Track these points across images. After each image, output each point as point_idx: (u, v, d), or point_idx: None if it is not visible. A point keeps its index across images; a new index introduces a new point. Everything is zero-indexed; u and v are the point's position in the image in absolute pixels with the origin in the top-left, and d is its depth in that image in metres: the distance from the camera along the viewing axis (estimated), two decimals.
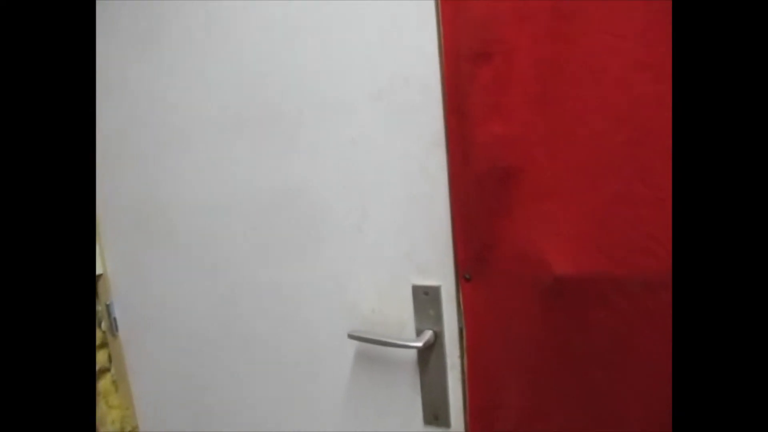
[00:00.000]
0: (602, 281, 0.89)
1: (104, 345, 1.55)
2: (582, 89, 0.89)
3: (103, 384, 1.54)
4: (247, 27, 1.19)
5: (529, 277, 0.97)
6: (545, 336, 0.97)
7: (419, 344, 1.09)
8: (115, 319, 1.53)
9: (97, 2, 1.21)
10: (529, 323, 0.99)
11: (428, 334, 1.11)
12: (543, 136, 0.93)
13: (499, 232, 0.99)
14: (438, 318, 1.10)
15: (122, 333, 1.54)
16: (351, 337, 1.15)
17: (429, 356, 1.12)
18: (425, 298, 1.11)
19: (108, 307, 1.51)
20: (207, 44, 1.24)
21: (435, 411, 1.13)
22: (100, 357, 1.52)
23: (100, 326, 1.51)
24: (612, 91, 0.86)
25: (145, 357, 1.52)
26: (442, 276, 1.09)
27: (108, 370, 1.56)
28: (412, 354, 1.14)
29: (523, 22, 0.91)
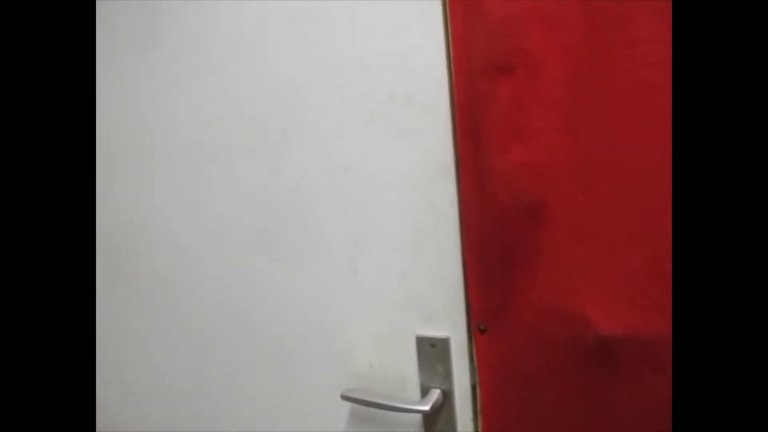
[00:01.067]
0: (659, 345, 0.74)
1: None
2: (625, 109, 0.73)
3: None
4: (223, 36, 1.02)
5: (560, 335, 0.81)
6: (580, 404, 0.81)
7: (426, 408, 0.93)
8: None
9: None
10: (559, 387, 0.83)
11: (435, 394, 0.95)
12: (577, 165, 0.77)
13: (523, 278, 0.83)
14: (447, 375, 0.94)
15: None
16: (344, 398, 0.98)
17: (437, 419, 0.96)
18: (432, 352, 0.95)
19: None
20: (185, 60, 1.07)
21: None
22: None
23: None
24: (663, 113, 0.71)
25: (117, 415, 1.33)
26: (452, 326, 0.93)
27: None
28: (417, 416, 0.97)
29: (553, 30, 0.75)
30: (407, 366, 0.98)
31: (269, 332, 1.09)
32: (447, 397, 0.96)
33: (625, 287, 0.76)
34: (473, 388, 0.94)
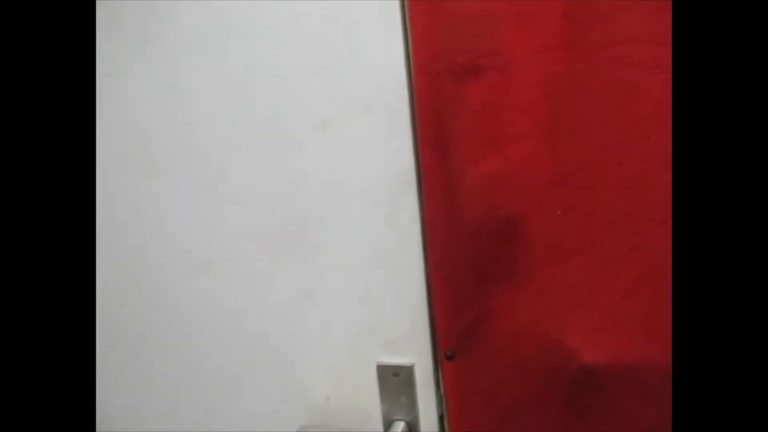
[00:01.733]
0: (648, 373, 0.67)
1: None
2: (608, 114, 0.67)
3: None
4: (173, 34, 0.89)
5: (539, 363, 0.74)
6: None
7: None
8: None
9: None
10: (538, 420, 0.76)
11: (400, 426, 0.87)
12: (555, 176, 0.70)
13: (496, 301, 0.75)
14: (412, 405, 0.86)
15: None
16: None
17: None
18: (395, 381, 0.86)
19: None
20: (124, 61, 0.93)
21: None
22: None
23: None
24: (653, 116, 0.64)
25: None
26: (417, 353, 0.85)
27: None
28: None
29: (526, 28, 0.68)
30: (368, 397, 0.89)
31: (212, 361, 0.97)
32: (412, 429, 0.87)
33: (611, 311, 0.69)
34: (440, 419, 0.86)
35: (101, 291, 0.99)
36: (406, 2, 0.74)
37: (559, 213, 0.70)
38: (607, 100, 0.67)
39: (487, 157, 0.72)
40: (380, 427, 0.89)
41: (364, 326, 0.87)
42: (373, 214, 0.82)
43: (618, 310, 0.69)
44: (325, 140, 0.83)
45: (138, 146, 0.94)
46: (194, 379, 0.99)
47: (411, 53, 0.74)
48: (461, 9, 0.70)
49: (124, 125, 0.93)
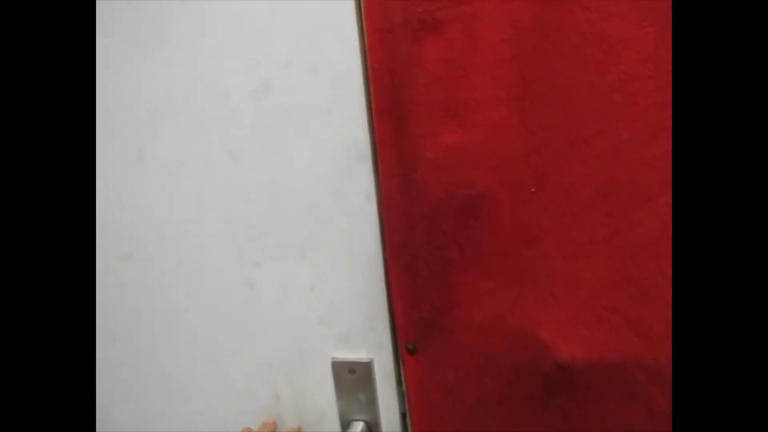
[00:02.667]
0: (631, 368, 0.60)
1: None
2: (589, 75, 0.57)
3: None
4: None
5: (509, 358, 0.66)
6: None
7: None
8: None
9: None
10: (509, 419, 0.68)
11: (359, 427, 0.80)
12: (526, 147, 0.61)
13: (460, 290, 0.67)
14: (371, 404, 0.78)
15: None
16: None
17: None
18: (351, 379, 0.78)
19: None
20: None
21: None
22: None
23: None
24: (639, 79, 0.56)
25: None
26: (375, 346, 0.77)
27: None
28: None
29: None
30: (323, 396, 0.81)
31: (143, 360, 0.87)
32: (372, 429, 0.80)
33: (590, 300, 0.61)
34: (403, 417, 0.78)
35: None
36: None
37: (532, 190, 0.61)
38: (585, 59, 0.58)
39: (448, 126, 0.62)
40: (337, 427, 0.81)
41: (316, 318, 0.78)
42: (320, 192, 0.73)
43: (598, 300, 0.61)
44: (264, 108, 0.72)
45: None
46: (124, 380, 0.88)
47: (362, 5, 0.63)
48: None
49: None
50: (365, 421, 0.80)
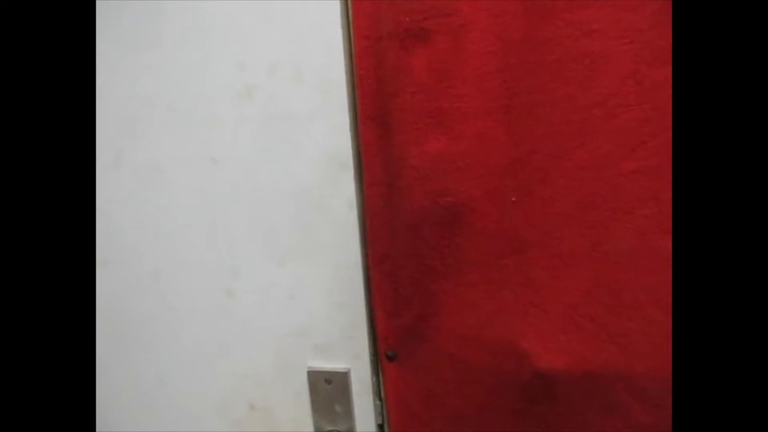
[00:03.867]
0: (610, 379, 0.60)
1: None
2: (572, 90, 0.59)
3: None
4: None
5: (489, 367, 0.66)
6: None
7: None
8: None
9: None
10: (487, 427, 0.68)
11: None
12: (509, 157, 0.62)
13: (442, 298, 0.67)
14: (347, 415, 0.78)
15: None
16: None
17: None
18: (328, 389, 0.77)
19: None
20: None
21: None
22: None
23: None
24: (619, 94, 0.57)
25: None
26: (352, 357, 0.76)
27: None
28: None
29: None
30: (298, 407, 0.79)
31: (121, 369, 0.84)
32: None
33: (569, 310, 0.62)
34: (380, 428, 0.78)
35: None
36: None
37: (513, 200, 0.62)
38: (568, 73, 0.59)
39: (433, 135, 0.63)
40: None
41: (293, 327, 0.77)
42: (302, 200, 0.72)
43: (577, 309, 0.62)
44: (246, 113, 0.71)
45: None
46: (103, 390, 0.86)
47: (350, 13, 0.64)
48: None
49: None
50: None
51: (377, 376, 0.75)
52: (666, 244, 0.58)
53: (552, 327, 0.62)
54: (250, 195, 0.74)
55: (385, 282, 0.68)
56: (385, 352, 0.72)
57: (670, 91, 0.56)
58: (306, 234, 0.73)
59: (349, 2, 0.63)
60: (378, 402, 0.77)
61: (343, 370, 0.76)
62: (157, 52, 0.72)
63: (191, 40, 0.71)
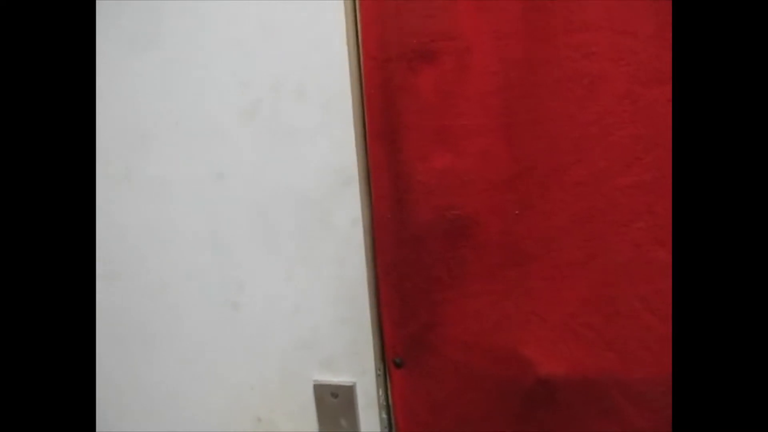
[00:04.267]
0: (608, 385, 0.63)
1: None
2: (567, 108, 0.62)
3: None
4: None
5: (492, 374, 0.68)
6: None
7: None
8: None
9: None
10: (489, 431, 0.70)
11: None
12: (511, 173, 0.65)
13: (447, 308, 0.69)
14: (353, 429, 0.79)
15: None
16: None
17: None
18: (334, 403, 0.78)
19: None
20: None
21: None
22: None
23: None
24: (615, 113, 0.61)
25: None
26: (358, 371, 0.77)
27: None
28: None
29: (483, 11, 0.63)
30: (304, 420, 0.80)
31: (128, 382, 0.85)
32: None
33: (569, 319, 0.65)
34: None
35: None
36: None
37: (516, 213, 0.65)
38: (566, 93, 0.63)
39: (439, 151, 0.66)
40: None
41: (299, 341, 0.78)
42: (306, 215, 0.74)
43: (576, 318, 0.64)
44: (251, 129, 0.73)
45: None
46: (103, 401, 0.86)
47: (360, 35, 0.66)
48: None
49: None
50: None
51: (384, 389, 0.76)
52: (660, 254, 0.61)
53: (552, 335, 0.65)
54: (255, 209, 0.75)
55: (392, 292, 0.71)
56: (393, 359, 0.74)
57: (663, 109, 0.59)
58: (310, 249, 0.74)
59: (359, 25, 0.66)
60: (384, 416, 0.78)
61: (349, 384, 0.77)
62: (164, 69, 0.74)
63: (197, 58, 0.73)
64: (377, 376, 0.76)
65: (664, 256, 0.61)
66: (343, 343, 0.76)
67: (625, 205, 0.62)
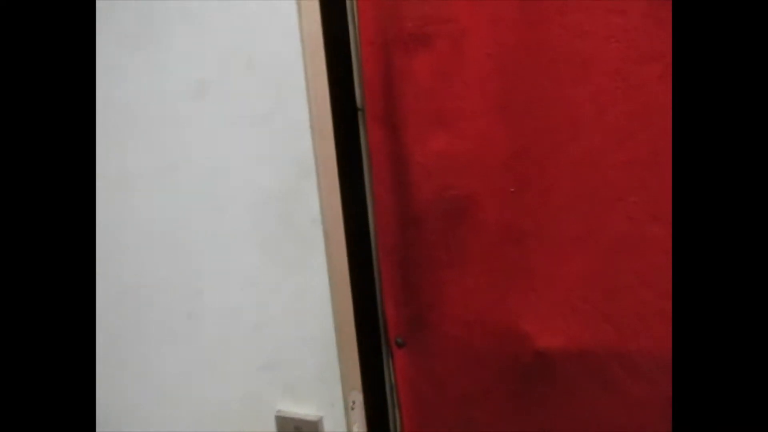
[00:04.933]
0: (605, 357, 0.65)
1: None
2: (565, 88, 0.63)
3: None
4: None
5: (493, 351, 0.70)
6: (518, 426, 0.70)
7: None
8: None
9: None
10: (494, 408, 0.72)
11: None
12: (508, 153, 0.66)
13: (447, 286, 0.71)
14: None
15: None
16: None
17: None
18: None
19: None
20: None
21: None
22: None
23: None
24: (608, 91, 0.62)
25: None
26: (326, 402, 0.70)
27: None
28: None
29: None
30: None
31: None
32: None
33: (567, 294, 0.66)
34: None
35: None
36: None
37: (512, 191, 0.66)
38: (560, 73, 0.64)
39: (437, 134, 0.68)
40: None
41: (260, 362, 0.70)
42: (265, 213, 0.67)
43: (573, 293, 0.66)
44: (200, 110, 0.65)
45: None
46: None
47: (356, 18, 0.68)
48: None
49: None
50: None
51: (388, 359, 0.77)
52: (655, 229, 0.62)
53: (550, 310, 0.66)
54: (212, 205, 0.68)
55: (394, 272, 0.72)
56: (395, 339, 0.76)
57: (656, 87, 0.60)
58: (270, 253, 0.68)
59: (355, 10, 0.67)
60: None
61: (314, 419, 0.70)
62: (117, 42, 0.68)
63: (147, 32, 0.66)
64: (348, 410, 0.70)
65: (659, 230, 0.62)
66: (309, 367, 0.69)
67: (620, 181, 0.64)
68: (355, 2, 0.67)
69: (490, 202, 0.67)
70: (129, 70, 0.68)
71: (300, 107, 0.64)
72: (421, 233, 0.70)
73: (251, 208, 0.67)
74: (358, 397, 0.69)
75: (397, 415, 0.79)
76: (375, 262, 0.74)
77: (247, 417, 0.73)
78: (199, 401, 0.74)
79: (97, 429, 0.76)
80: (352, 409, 0.69)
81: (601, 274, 0.65)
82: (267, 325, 0.70)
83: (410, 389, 0.76)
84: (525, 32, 0.64)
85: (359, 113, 0.71)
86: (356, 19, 0.68)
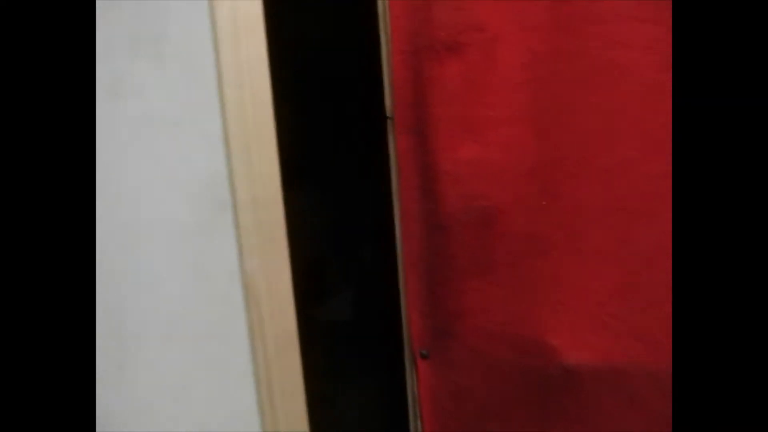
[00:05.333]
0: (634, 374, 0.63)
1: None
2: (595, 97, 0.63)
3: None
4: None
5: (517, 363, 0.69)
6: None
7: None
8: None
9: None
10: (517, 423, 0.70)
11: None
12: (538, 163, 0.66)
13: (473, 296, 0.70)
14: None
15: None
16: None
17: None
18: None
19: None
20: None
21: None
22: None
23: None
24: (640, 102, 0.61)
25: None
26: None
27: None
28: None
29: (510, 2, 0.64)
30: None
31: None
32: None
33: (596, 308, 0.65)
34: None
35: None
36: None
37: (543, 203, 0.66)
38: (594, 82, 0.63)
39: (466, 142, 0.67)
40: None
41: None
42: (184, 252, 0.57)
43: (605, 308, 0.64)
44: (111, 111, 0.56)
45: None
46: None
47: (388, 26, 0.68)
48: None
49: None
50: None
51: (412, 372, 0.76)
52: None
53: (579, 325, 0.65)
54: (131, 239, 0.59)
55: (419, 283, 0.72)
56: (420, 351, 0.74)
57: None
58: (187, 309, 0.59)
59: (387, 20, 0.68)
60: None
61: None
62: None
63: None
64: None
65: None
66: None
67: (653, 194, 0.62)
68: (387, 11, 0.67)
69: (518, 213, 0.66)
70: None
71: (212, 113, 0.57)
72: (448, 242, 0.69)
73: (167, 244, 0.59)
74: None
75: (419, 427, 0.77)
76: (400, 273, 0.73)
77: None
78: None
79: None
80: None
81: (630, 288, 0.63)
82: (189, 398, 0.61)
83: (432, 401, 0.75)
84: (556, 41, 0.63)
85: (388, 121, 0.71)
86: (388, 28, 0.68)
